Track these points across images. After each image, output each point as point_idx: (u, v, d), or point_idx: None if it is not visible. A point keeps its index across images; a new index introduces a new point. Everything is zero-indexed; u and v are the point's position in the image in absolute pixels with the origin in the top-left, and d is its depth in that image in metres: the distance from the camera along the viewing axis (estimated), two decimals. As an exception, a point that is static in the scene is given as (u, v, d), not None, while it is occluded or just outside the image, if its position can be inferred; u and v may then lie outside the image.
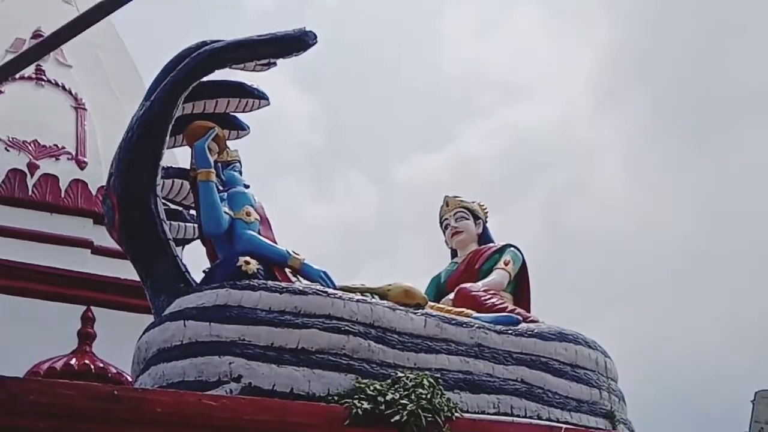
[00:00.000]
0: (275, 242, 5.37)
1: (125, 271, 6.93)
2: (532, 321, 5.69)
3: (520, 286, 6.30)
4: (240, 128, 5.95)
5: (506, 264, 6.25)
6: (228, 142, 5.77)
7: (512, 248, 6.38)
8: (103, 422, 3.96)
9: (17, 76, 8.34)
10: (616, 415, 5.47)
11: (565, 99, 24.89)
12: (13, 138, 8.31)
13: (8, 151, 8.23)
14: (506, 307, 5.75)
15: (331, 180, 24.83)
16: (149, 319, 5.05)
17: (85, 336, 7.18)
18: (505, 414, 5.00)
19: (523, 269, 6.34)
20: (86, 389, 4.08)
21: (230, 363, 4.51)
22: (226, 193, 5.42)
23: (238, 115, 5.90)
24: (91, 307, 7.34)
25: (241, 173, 5.72)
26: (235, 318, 4.65)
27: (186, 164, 5.72)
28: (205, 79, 5.45)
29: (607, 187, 22.71)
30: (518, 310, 5.81)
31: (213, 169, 5.35)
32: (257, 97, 5.83)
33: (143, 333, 4.91)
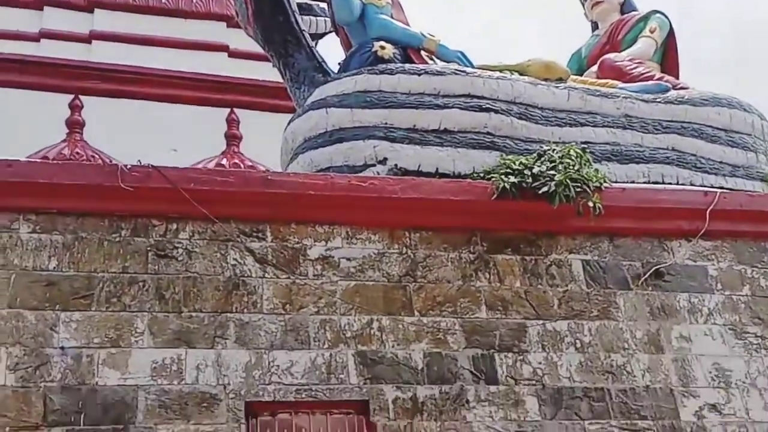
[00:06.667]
0: (408, 25, 5.26)
1: (263, 72, 7.02)
2: (682, 88, 5.43)
3: (667, 54, 5.96)
4: None
5: (652, 31, 5.91)
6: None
7: (658, 14, 6.01)
8: (260, 206, 4.07)
9: None
10: (774, 178, 5.25)
11: None
12: (139, -54, 8.30)
13: (137, -41, 8.26)
14: (653, 76, 5.49)
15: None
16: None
17: (232, 137, 7.33)
18: (656, 183, 4.89)
19: (670, 36, 5.98)
20: (242, 175, 4.22)
21: (375, 147, 4.56)
22: (355, -21, 5.27)
23: None
24: (235, 110, 7.47)
25: (367, -44, 5.53)
26: (375, 102, 4.65)
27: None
28: None
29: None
30: (666, 77, 5.55)
31: (339, -45, 5.19)
32: None
33: (288, 124, 5.00)
